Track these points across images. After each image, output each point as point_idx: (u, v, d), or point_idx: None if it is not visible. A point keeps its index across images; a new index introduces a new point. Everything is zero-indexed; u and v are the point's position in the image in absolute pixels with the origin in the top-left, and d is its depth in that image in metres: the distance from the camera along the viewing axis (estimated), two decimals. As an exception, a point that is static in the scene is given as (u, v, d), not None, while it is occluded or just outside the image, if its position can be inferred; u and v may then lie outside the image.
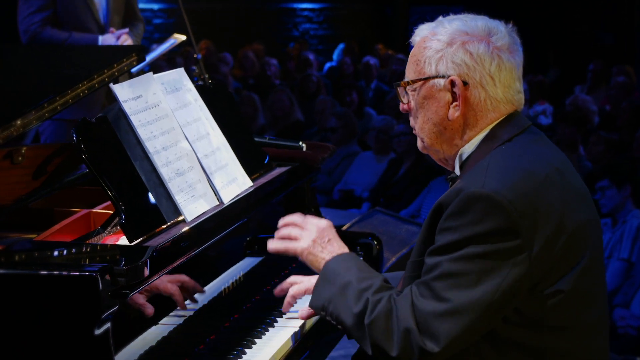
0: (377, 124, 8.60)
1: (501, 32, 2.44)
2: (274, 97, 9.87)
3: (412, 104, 2.52)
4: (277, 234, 2.72)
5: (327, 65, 14.27)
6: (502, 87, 2.42)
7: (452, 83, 2.41)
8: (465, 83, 2.40)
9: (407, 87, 2.51)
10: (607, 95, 10.15)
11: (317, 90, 10.86)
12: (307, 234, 2.66)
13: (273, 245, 2.70)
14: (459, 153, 2.49)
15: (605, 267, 2.52)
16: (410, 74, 2.51)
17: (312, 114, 9.87)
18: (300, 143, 3.78)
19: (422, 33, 2.49)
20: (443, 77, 2.42)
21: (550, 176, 2.34)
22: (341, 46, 14.97)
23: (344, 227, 5.35)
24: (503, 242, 2.24)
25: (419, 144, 2.55)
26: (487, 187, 2.25)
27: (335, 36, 16.43)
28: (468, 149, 2.47)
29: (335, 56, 14.98)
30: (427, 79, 2.45)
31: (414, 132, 2.55)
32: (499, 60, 2.40)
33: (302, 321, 2.90)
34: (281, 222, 2.74)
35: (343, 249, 2.62)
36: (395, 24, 16.78)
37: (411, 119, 2.55)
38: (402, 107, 2.56)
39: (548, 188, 2.31)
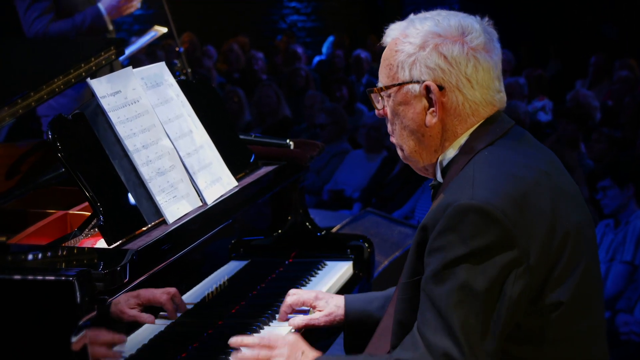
0: (368, 121, 8.60)
1: (476, 30, 2.41)
2: (260, 92, 9.86)
3: (388, 110, 2.51)
4: (241, 357, 2.57)
5: (316, 59, 14.28)
6: (481, 89, 2.40)
7: (427, 88, 2.40)
8: (441, 88, 2.39)
9: (382, 93, 2.50)
10: (609, 90, 10.17)
11: (306, 85, 10.86)
12: (278, 354, 2.54)
13: None
14: (439, 159, 2.48)
15: (600, 268, 2.51)
16: (383, 79, 2.49)
17: (301, 110, 9.87)
18: (288, 141, 3.78)
19: (393, 34, 2.48)
20: (417, 82, 2.41)
21: (538, 180, 2.32)
22: (331, 39, 14.98)
23: (334, 229, 5.35)
24: (501, 255, 2.21)
25: (400, 153, 2.55)
26: (476, 198, 2.22)
27: (324, 28, 16.43)
28: (449, 154, 2.46)
29: (324, 49, 14.98)
30: (401, 85, 2.44)
31: (391, 139, 2.55)
32: (475, 61, 2.38)
33: (291, 328, 2.90)
34: (238, 340, 2.60)
35: (318, 355, 2.54)
36: (388, 15, 16.79)
37: (388, 126, 2.54)
38: (378, 113, 2.55)
39: (537, 193, 2.29)
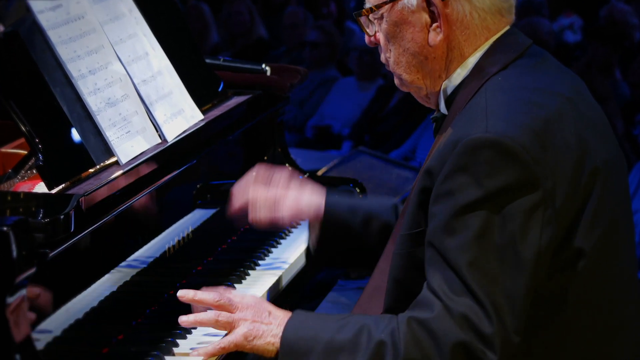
0: (360, 43, 8.59)
1: None
2: (230, 8, 9.82)
3: (381, 35, 2.52)
4: (199, 320, 2.49)
5: (298, -33, 14.19)
6: None
7: (427, 0, 2.41)
8: None
9: (371, 15, 2.51)
10: (651, 5, 10.17)
11: (285, 0, 10.82)
12: (240, 316, 2.46)
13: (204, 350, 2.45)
14: (442, 87, 2.50)
15: (632, 218, 2.51)
16: None
17: (279, 31, 9.84)
18: (264, 66, 3.79)
19: None
20: None
21: (561, 109, 2.33)
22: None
23: (320, 172, 5.38)
24: (523, 198, 2.20)
25: (397, 81, 2.56)
26: (491, 131, 2.23)
27: None
28: (454, 80, 2.48)
29: (307, -45, 14.89)
30: (394, 1, 2.44)
31: (388, 68, 2.56)
32: None
33: (271, 283, 3.00)
34: (189, 295, 2.50)
35: (289, 313, 2.47)
36: None
37: (382, 54, 2.55)
38: (368, 40, 2.56)
39: (561, 124, 2.31)
